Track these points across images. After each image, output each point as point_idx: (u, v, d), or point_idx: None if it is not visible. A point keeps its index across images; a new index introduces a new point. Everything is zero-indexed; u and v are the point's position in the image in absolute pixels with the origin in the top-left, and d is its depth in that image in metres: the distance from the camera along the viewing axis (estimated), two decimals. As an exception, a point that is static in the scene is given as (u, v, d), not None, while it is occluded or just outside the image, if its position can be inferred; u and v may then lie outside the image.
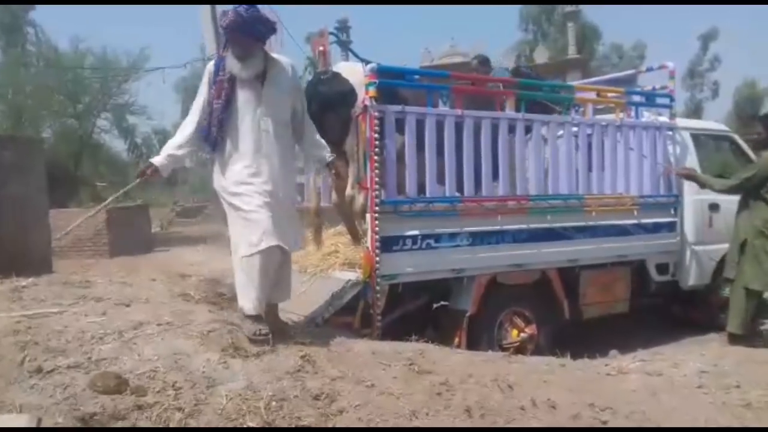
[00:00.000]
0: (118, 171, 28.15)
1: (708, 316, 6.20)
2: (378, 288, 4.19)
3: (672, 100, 5.91)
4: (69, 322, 3.55)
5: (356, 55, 4.68)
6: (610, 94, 5.67)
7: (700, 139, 6.21)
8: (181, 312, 3.87)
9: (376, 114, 4.15)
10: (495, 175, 4.78)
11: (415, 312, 4.77)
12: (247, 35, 3.42)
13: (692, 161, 6.01)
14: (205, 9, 11.33)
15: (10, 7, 21.42)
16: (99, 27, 59.63)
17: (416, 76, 5.05)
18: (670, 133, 5.85)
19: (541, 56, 25.30)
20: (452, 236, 4.54)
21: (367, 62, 4.26)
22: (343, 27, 29.43)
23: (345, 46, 4.58)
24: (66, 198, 20.75)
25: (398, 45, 67.00)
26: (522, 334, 4.89)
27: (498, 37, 67.62)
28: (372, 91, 4.14)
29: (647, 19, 66.90)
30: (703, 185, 5.56)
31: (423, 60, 24.62)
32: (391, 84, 4.37)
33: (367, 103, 4.16)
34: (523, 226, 4.87)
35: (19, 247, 7.88)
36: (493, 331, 4.81)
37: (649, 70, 6.39)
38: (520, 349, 4.84)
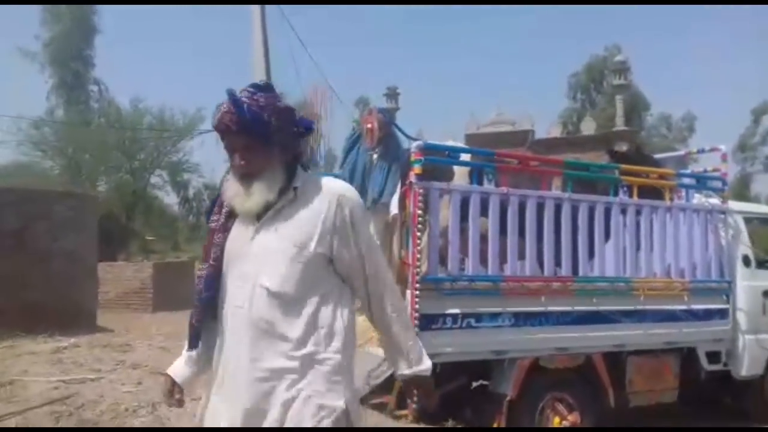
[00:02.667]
0: (168, 224, 28.97)
1: (762, 408, 5.85)
2: (416, 367, 4.08)
3: (724, 183, 5.78)
4: (105, 391, 3.58)
5: (402, 132, 4.74)
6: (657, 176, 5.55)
7: (753, 222, 6.03)
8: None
9: (420, 190, 4.16)
10: (539, 256, 4.70)
11: (455, 393, 4.64)
12: (250, 134, 1.81)
13: (745, 245, 5.82)
14: (260, 68, 11.73)
15: (73, 65, 22.70)
16: (161, 86, 62.43)
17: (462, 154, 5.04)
18: (722, 216, 5.69)
19: (587, 127, 25.22)
20: (494, 316, 4.43)
21: (414, 139, 4.31)
22: (392, 94, 30.11)
23: (391, 122, 4.56)
24: (116, 251, 21.39)
25: (445, 110, 68.39)
26: (564, 422, 4.69)
27: (545, 105, 68.31)
28: (417, 168, 4.17)
29: (697, 90, 66.75)
30: None
31: (468, 127, 24.78)
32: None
33: (413, 179, 4.18)
34: (568, 308, 4.73)
35: (67, 302, 8.11)
36: (533, 417, 4.62)
37: (701, 152, 6.30)
38: (562, 438, 4.66)
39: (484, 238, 4.53)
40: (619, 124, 24.73)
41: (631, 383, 5.19)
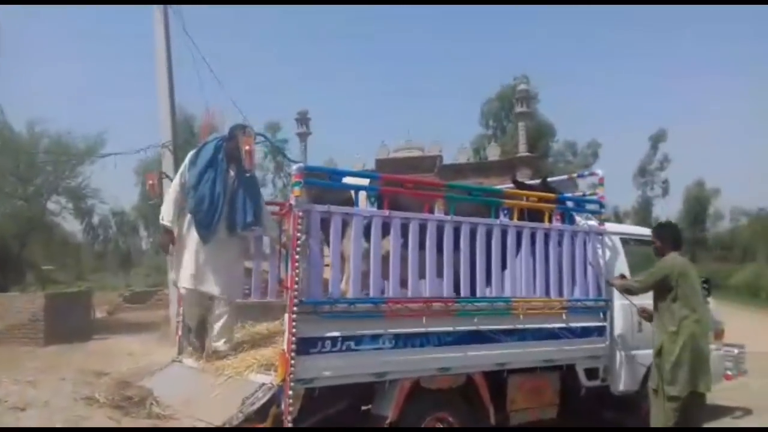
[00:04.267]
0: (72, 253, 27.49)
1: (639, 422, 6.11)
2: (291, 393, 4.02)
3: (601, 206, 6.09)
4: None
5: (285, 156, 4.77)
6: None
7: (629, 243, 6.37)
8: (76, 418, 3.67)
9: (300, 213, 4.15)
10: (422, 276, 4.76)
11: (335, 417, 4.60)
12: None
13: (621, 264, 6.13)
14: (164, 97, 11.45)
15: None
16: (61, 110, 59.78)
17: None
18: (600, 237, 5.98)
19: (492, 153, 26.16)
20: (375, 338, 4.43)
21: (294, 162, 4.31)
22: (303, 118, 30.19)
23: (277, 146, 4.61)
24: (10, 281, 20.07)
25: (358, 136, 69.17)
26: (443, 444, 4.73)
27: (460, 132, 70.37)
28: (297, 190, 4.16)
29: (601, 118, 70.71)
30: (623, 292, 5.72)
31: (379, 153, 25.19)
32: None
33: (292, 201, 4.16)
34: (449, 329, 4.80)
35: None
36: (414, 439, 4.63)
37: (581, 176, 6.63)
38: (444, 458, 4.69)
39: (385, 260, 4.58)
40: (522, 151, 25.77)
41: (512, 401, 5.32)
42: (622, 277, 5.96)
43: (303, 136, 31.45)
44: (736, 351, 7.45)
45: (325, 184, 4.59)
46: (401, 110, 71.73)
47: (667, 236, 5.55)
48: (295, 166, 4.22)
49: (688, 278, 5.25)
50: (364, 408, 4.81)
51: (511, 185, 6.51)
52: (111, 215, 36.91)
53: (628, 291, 5.69)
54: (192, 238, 4.91)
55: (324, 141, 74.76)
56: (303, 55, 76.48)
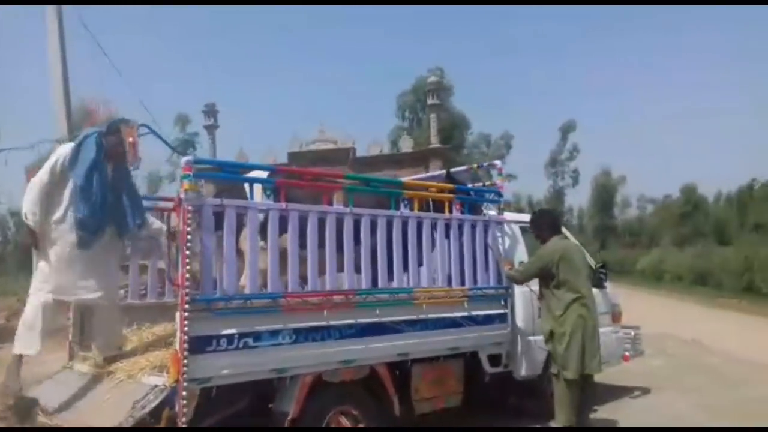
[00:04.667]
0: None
1: (542, 406, 6.32)
2: (185, 393, 3.88)
3: (500, 195, 6.22)
4: None
5: (170, 146, 4.58)
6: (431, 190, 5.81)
7: (528, 230, 6.55)
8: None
9: (190, 208, 4.00)
10: (322, 270, 4.71)
11: (236, 416, 4.49)
12: None
13: (522, 252, 6.31)
14: (58, 91, 10.84)
15: None
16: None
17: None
18: (500, 226, 6.11)
19: (405, 145, 26.44)
20: (274, 334, 4.34)
21: (181, 153, 4.15)
22: (211, 111, 29.44)
23: (161, 138, 4.44)
24: None
25: (269, 129, 68.30)
26: (348, 436, 4.71)
27: (375, 124, 70.73)
28: (186, 183, 4.00)
29: (514, 110, 72.99)
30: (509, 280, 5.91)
31: (291, 146, 24.90)
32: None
33: (182, 195, 4.01)
34: (351, 321, 4.77)
35: None
36: (318, 433, 4.60)
37: (481, 166, 6.74)
38: (348, 452, 4.68)
39: (284, 255, 4.49)
40: (435, 142, 26.16)
41: (416, 391, 5.37)
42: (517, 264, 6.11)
43: (211, 129, 30.70)
44: (633, 333, 7.82)
45: (217, 177, 4.45)
46: (315, 103, 71.49)
47: (544, 223, 5.77)
48: (183, 159, 4.06)
49: (569, 261, 5.46)
50: (267, 405, 4.72)
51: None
52: (9, 215, 34.81)
53: (513, 280, 5.85)
54: (67, 240, 4.64)
55: (235, 134, 73.51)
56: (213, 47, 74.66)
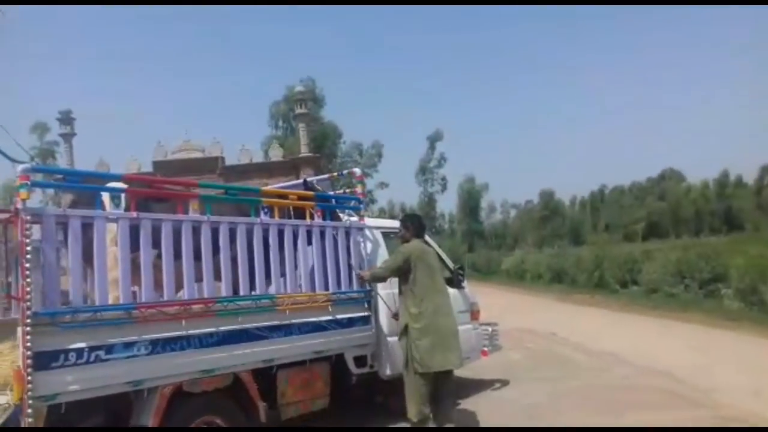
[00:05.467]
0: None
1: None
2: (30, 411, 3.69)
3: (360, 202, 6.41)
4: None
5: (3, 153, 4.32)
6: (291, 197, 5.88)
7: (390, 236, 6.79)
8: None
9: (28, 218, 3.81)
10: (179, 281, 4.63)
11: (92, 432, 4.31)
12: None
13: (383, 256, 6.53)
14: None
15: None
16: None
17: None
18: (361, 231, 6.29)
19: (275, 153, 26.30)
20: (127, 345, 4.22)
21: (17, 162, 3.95)
22: (66, 118, 27.78)
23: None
24: None
25: (132, 137, 65.36)
26: (214, 448, 4.66)
27: (248, 132, 69.65)
28: (24, 193, 3.81)
29: (384, 120, 74.83)
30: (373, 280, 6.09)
31: (156, 154, 23.96)
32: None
33: (19, 206, 3.81)
34: (212, 329, 4.73)
35: None
36: (181, 448, 4.51)
37: (341, 174, 6.91)
38: (213, 462, 4.62)
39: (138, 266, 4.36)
40: (305, 151, 26.26)
41: (282, 395, 5.41)
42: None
43: (67, 137, 28.96)
44: (490, 329, 8.25)
45: (59, 186, 4.27)
46: (181, 111, 69.25)
47: (413, 225, 6.04)
48: (20, 167, 3.86)
49: (425, 260, 5.76)
50: (125, 420, 4.55)
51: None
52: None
53: (376, 278, 6.05)
54: None
55: (92, 142, 69.57)
56: (71, 53, 70.23)
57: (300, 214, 5.81)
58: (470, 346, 7.39)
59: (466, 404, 7.21)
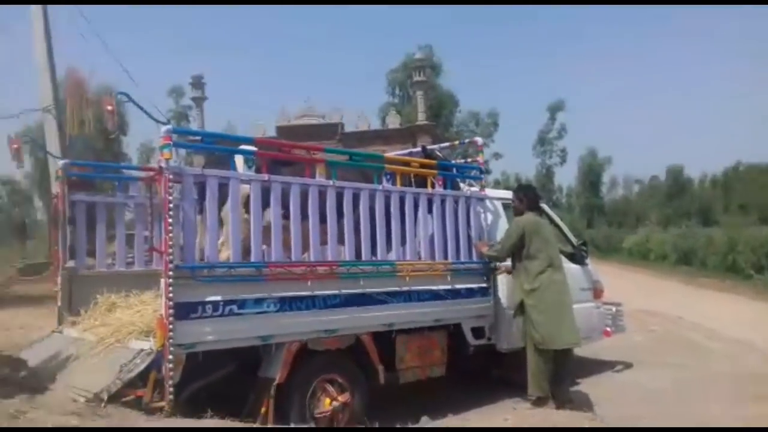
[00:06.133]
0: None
1: (525, 378, 6.42)
2: (171, 357, 3.97)
3: (481, 171, 6.30)
4: None
5: (149, 115, 4.60)
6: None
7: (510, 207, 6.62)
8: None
9: (171, 176, 4.05)
10: (305, 241, 4.78)
11: (223, 382, 4.58)
12: None
13: (503, 227, 6.39)
14: (42, 55, 10.76)
15: None
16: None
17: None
18: (481, 202, 6.19)
19: (393, 121, 26.42)
20: (258, 302, 4.43)
21: (162, 123, 4.19)
22: (198, 83, 29.34)
23: (138, 105, 4.45)
24: None
25: (258, 102, 67.95)
26: (334, 403, 4.81)
27: (365, 99, 70.55)
28: (167, 152, 4.05)
29: (501, 88, 72.96)
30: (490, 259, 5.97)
31: (279, 120, 24.82)
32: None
33: (162, 164, 4.05)
34: (335, 291, 4.86)
35: None
36: (304, 401, 4.69)
37: (462, 143, 6.79)
38: (333, 418, 4.78)
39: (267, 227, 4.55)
40: (421, 119, 26.15)
41: (400, 360, 5.48)
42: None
43: (199, 101, 30.62)
44: (614, 309, 7.92)
45: (196, 147, 4.49)
46: (304, 76, 71.11)
47: (527, 197, 5.84)
48: (163, 128, 4.09)
49: (540, 234, 5.57)
50: (252, 371, 4.80)
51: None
52: (1, 184, 34.58)
53: (494, 259, 5.95)
54: None
55: (222, 107, 73.27)
56: (202, 18, 73.85)
57: (420, 182, 5.79)
58: (591, 325, 7.15)
59: (586, 385, 6.97)
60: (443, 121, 36.30)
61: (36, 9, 10.72)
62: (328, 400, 4.81)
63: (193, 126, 31.52)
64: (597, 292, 7.58)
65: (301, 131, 22.28)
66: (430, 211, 5.68)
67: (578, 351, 5.95)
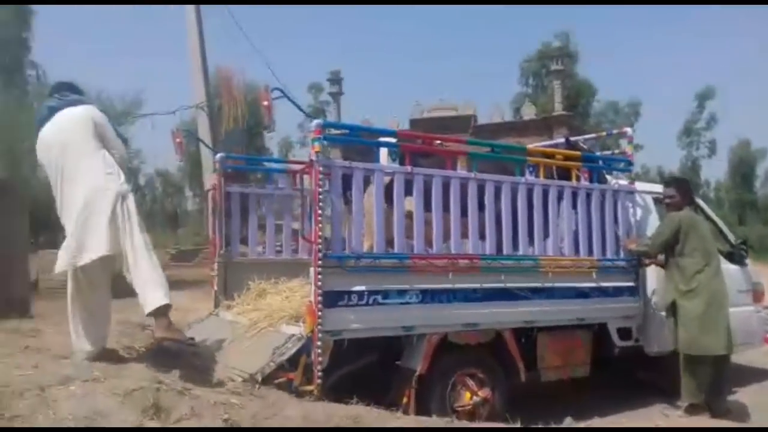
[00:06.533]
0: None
1: (674, 384, 6.04)
2: (320, 343, 4.12)
3: (630, 164, 5.96)
4: (-3, 374, 3.51)
5: (301, 110, 4.77)
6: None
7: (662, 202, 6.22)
8: (116, 367, 3.83)
9: (321, 169, 4.18)
10: (446, 234, 4.78)
11: (365, 370, 4.69)
12: None
13: (654, 224, 6.02)
14: (196, 55, 11.58)
15: (9, 48, 22.02)
16: (98, 70, 60.77)
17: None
18: (630, 196, 5.86)
19: (528, 112, 25.75)
20: (401, 293, 4.49)
21: (313, 117, 4.34)
22: (336, 79, 30.25)
23: (292, 101, 4.59)
24: (60, 240, 20.71)
25: (391, 96, 68.75)
26: (475, 398, 4.77)
27: (495, 91, 69.30)
28: (317, 146, 4.19)
29: (643, 75, 68.62)
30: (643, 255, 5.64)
31: (413, 113, 25.05)
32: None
33: (313, 157, 4.20)
34: (476, 285, 4.82)
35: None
36: (445, 393, 4.69)
37: (609, 134, 6.47)
38: (473, 413, 4.74)
39: (408, 218, 4.61)
40: (558, 110, 25.25)
41: (542, 359, 5.33)
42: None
43: (336, 96, 31.61)
44: None
45: (344, 141, 4.61)
46: (436, 69, 71.09)
47: (684, 190, 5.45)
48: (314, 122, 4.25)
49: (698, 231, 5.18)
50: (392, 362, 4.88)
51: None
52: (156, 175, 37.56)
53: (644, 254, 5.60)
54: None
55: (357, 101, 75.01)
56: (336, 14, 75.95)
57: (564, 175, 5.58)
58: (751, 330, 6.59)
59: (745, 394, 6.41)
60: (580, 111, 34.83)
61: (189, 9, 11.51)
62: (468, 394, 4.78)
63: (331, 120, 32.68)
64: (757, 295, 6.98)
65: (434, 124, 22.34)
66: (574, 205, 5.46)
67: (735, 358, 5.48)
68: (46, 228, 20.23)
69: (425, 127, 20.66)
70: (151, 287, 3.97)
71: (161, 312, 3.96)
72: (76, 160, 4.02)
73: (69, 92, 4.33)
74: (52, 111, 4.21)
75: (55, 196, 4.14)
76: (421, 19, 76.22)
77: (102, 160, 4.04)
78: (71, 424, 3.02)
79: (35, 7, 26.37)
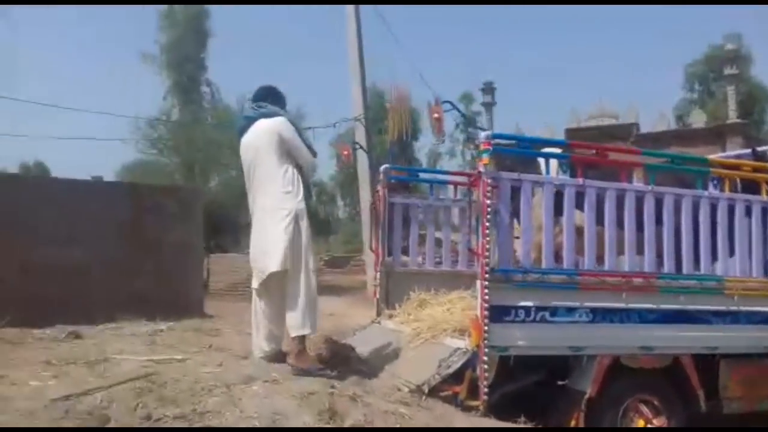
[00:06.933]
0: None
1: None
2: (486, 358, 4.05)
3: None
4: (187, 371, 3.81)
5: (468, 120, 4.73)
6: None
7: None
8: (290, 369, 4.03)
9: (489, 181, 4.13)
10: (620, 251, 4.52)
11: (531, 389, 4.55)
12: None
13: None
14: (355, 70, 11.96)
15: (188, 67, 24.27)
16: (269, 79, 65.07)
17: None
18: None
19: (697, 119, 23.76)
20: (570, 310, 4.30)
21: (483, 129, 4.30)
22: (488, 89, 29.92)
23: (461, 113, 4.58)
24: (229, 244, 22.53)
25: (544, 105, 66.69)
26: (649, 425, 4.47)
27: (654, 98, 65.07)
28: (486, 158, 4.14)
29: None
30: None
31: (569, 122, 24.08)
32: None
33: (482, 170, 4.16)
34: (652, 306, 4.51)
35: (174, 290, 8.65)
36: (616, 419, 4.43)
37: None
38: (647, 442, 4.45)
39: (579, 232, 4.45)
40: (732, 117, 23.04)
41: (725, 388, 4.86)
42: None
43: (488, 107, 31.35)
44: None
45: (513, 152, 4.52)
46: (592, 76, 68.08)
47: None
48: (483, 134, 4.20)
49: None
50: (554, 382, 4.69)
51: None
52: (311, 185, 39.29)
53: None
54: None
55: (509, 111, 73.63)
56: (485, 21, 75.30)
57: (750, 188, 5.07)
58: None
59: None
60: (755, 119, 31.65)
61: (350, 9, 11.89)
62: (642, 422, 4.48)
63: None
64: None
65: (593, 133, 21.33)
66: (765, 222, 4.95)
67: None
68: (217, 233, 22.05)
69: (582, 137, 19.77)
70: (300, 313, 4.20)
71: (299, 340, 4.17)
72: (263, 171, 4.39)
73: (268, 99, 4.66)
74: (250, 121, 4.59)
75: (248, 195, 4.59)
76: (576, 18, 73.05)
77: (282, 177, 4.30)
78: (256, 423, 3.20)
79: (211, 29, 29.05)
